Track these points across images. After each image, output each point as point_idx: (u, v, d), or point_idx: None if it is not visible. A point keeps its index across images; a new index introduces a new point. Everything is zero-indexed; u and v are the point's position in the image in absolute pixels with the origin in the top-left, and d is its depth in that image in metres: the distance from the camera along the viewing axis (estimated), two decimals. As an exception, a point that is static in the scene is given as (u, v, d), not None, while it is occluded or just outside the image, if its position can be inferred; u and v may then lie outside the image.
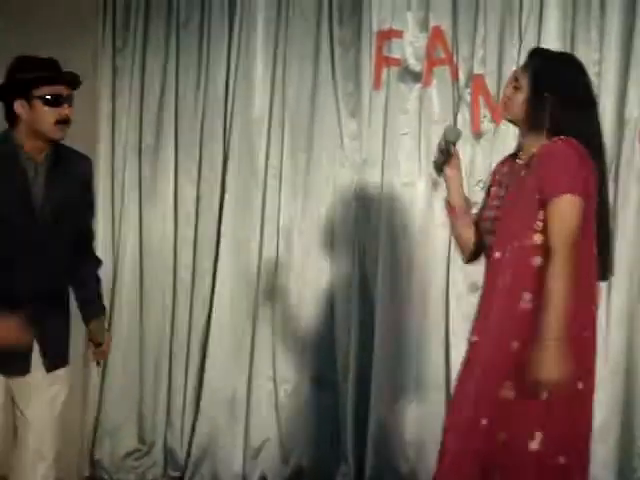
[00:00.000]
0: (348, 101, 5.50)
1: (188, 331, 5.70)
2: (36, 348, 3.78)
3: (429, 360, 5.39)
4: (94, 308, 4.00)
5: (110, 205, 5.73)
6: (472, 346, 3.43)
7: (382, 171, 5.41)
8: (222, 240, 5.60)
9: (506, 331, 3.31)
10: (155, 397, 5.66)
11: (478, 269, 4.98)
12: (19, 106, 3.76)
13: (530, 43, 5.09)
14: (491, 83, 5.34)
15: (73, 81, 3.85)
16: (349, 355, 5.44)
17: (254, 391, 5.52)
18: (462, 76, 5.36)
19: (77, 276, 3.99)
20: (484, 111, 5.37)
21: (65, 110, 3.76)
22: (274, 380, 5.52)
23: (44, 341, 3.80)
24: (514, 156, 3.57)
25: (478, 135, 5.35)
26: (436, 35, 5.40)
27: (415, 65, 5.41)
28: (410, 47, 5.41)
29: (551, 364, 3.16)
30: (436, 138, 4.99)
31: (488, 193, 3.63)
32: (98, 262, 4.11)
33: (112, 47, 5.79)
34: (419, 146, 5.40)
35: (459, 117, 5.34)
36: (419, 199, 5.42)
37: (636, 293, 5.07)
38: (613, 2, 5.17)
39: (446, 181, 3.67)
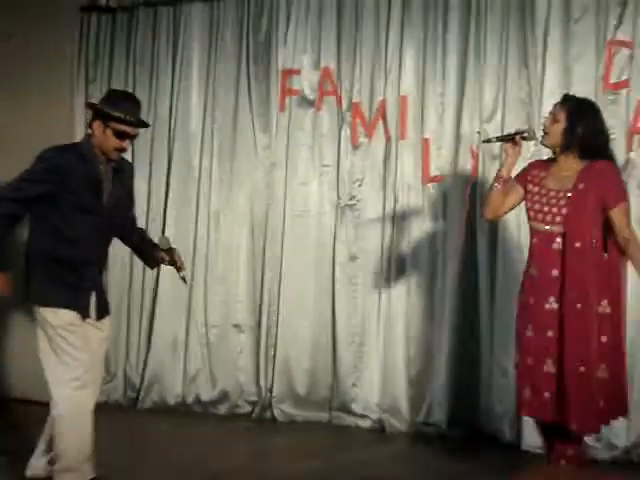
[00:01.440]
0: (261, 120, 6.46)
1: (142, 287, 6.60)
2: (93, 300, 4.34)
3: (321, 311, 6.25)
4: (155, 245, 4.56)
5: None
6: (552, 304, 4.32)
7: (286, 173, 6.35)
8: (167, 222, 6.57)
9: (593, 300, 4.29)
10: (117, 338, 6.50)
11: (356, 243, 6.02)
12: (97, 126, 4.27)
13: (394, 80, 6.10)
14: (365, 109, 6.19)
15: (141, 126, 4.34)
16: (262, 307, 6.38)
17: (190, 334, 6.49)
18: (344, 103, 6.23)
19: (135, 240, 4.61)
20: (360, 129, 6.19)
21: (125, 144, 4.28)
22: (206, 325, 6.49)
23: (98, 296, 4.38)
24: (544, 163, 4.53)
25: (356, 147, 6.21)
26: (325, 73, 6.29)
27: (310, 94, 6.33)
28: (306, 81, 6.35)
29: None
30: (325, 147, 6.28)
31: (525, 183, 4.49)
32: (142, 229, 4.74)
33: (85, 77, 6.79)
34: (313, 154, 6.32)
35: (342, 133, 6.21)
36: (313, 194, 6.33)
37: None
38: (452, 49, 5.97)
39: (505, 158, 4.54)
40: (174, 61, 6.70)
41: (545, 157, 4.84)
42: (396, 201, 6.14)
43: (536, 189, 4.46)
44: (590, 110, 4.46)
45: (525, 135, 4.55)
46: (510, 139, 4.55)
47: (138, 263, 5.55)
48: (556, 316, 4.35)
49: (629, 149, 5.51)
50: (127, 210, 4.56)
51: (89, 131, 4.33)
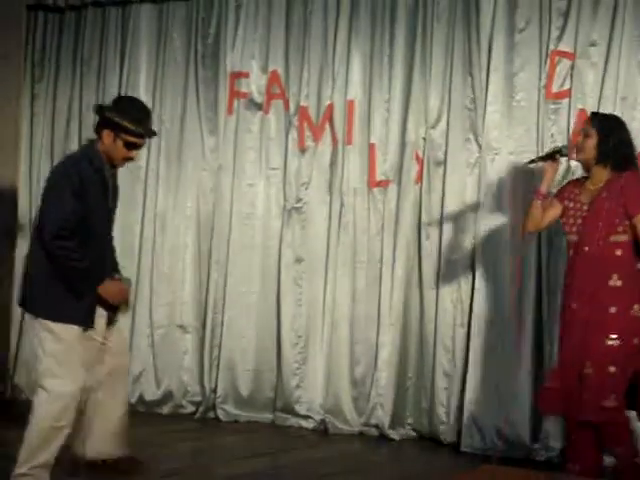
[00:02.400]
0: (208, 123, 6.51)
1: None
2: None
3: (266, 313, 6.31)
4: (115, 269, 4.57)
5: (27, 197, 6.80)
6: (572, 311, 4.52)
7: (233, 175, 6.41)
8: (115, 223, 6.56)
9: (603, 300, 4.44)
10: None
11: (302, 246, 6.07)
12: (106, 135, 4.27)
13: (341, 85, 6.18)
14: (312, 113, 6.24)
15: (151, 136, 4.43)
16: (207, 308, 6.41)
17: (135, 334, 6.52)
18: (292, 107, 6.29)
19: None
20: (307, 133, 6.24)
21: (133, 154, 4.34)
22: (151, 326, 6.54)
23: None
24: (579, 181, 4.74)
25: (303, 150, 6.26)
26: (273, 77, 6.37)
27: (258, 98, 6.39)
28: (254, 85, 6.41)
29: None
30: (273, 150, 6.33)
31: (564, 200, 4.68)
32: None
33: (31, 77, 6.82)
34: (260, 157, 6.37)
35: (289, 137, 6.26)
36: (259, 196, 6.38)
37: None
38: (398, 58, 6.04)
39: (544, 174, 4.77)
40: (122, 62, 6.74)
41: (578, 176, 5.07)
42: (342, 205, 6.21)
43: (571, 204, 4.67)
44: (617, 123, 4.70)
45: (563, 152, 4.82)
46: (550, 157, 4.80)
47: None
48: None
49: (569, 157, 5.62)
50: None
51: (95, 137, 4.35)
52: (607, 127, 4.60)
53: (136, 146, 4.32)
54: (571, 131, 5.64)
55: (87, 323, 4.30)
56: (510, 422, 5.55)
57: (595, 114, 4.80)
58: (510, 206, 5.78)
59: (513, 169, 5.79)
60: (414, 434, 6.00)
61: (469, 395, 5.72)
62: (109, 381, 4.48)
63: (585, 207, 4.59)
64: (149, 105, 6.38)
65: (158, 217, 6.61)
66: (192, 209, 6.59)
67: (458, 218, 5.92)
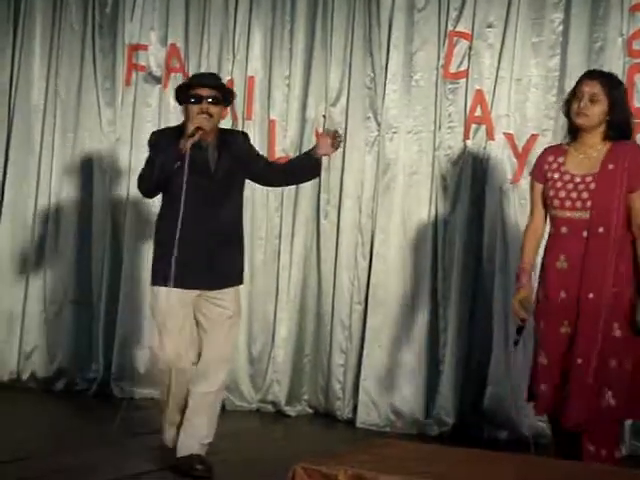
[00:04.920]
0: (106, 94, 6.42)
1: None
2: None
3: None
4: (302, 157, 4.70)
5: None
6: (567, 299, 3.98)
7: (131, 148, 6.32)
8: (5, 196, 6.51)
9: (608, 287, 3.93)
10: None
11: None
12: None
13: (241, 60, 6.13)
14: None
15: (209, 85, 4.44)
16: (102, 284, 6.36)
17: (28, 310, 6.44)
18: None
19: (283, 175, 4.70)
20: None
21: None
22: (44, 301, 6.45)
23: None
24: (558, 148, 4.16)
25: None
26: (173, 50, 6.30)
27: (156, 71, 6.32)
28: (153, 57, 6.34)
29: None
30: (172, 124, 6.06)
31: (545, 175, 4.11)
32: (277, 166, 4.86)
33: None
34: None
35: None
36: None
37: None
38: (299, 33, 6.02)
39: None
40: (15, 29, 6.60)
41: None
42: (241, 180, 6.18)
43: (557, 175, 4.11)
44: (622, 86, 4.23)
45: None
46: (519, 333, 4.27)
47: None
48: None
49: (466, 137, 5.73)
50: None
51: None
52: (619, 95, 4.09)
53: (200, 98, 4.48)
54: (468, 111, 5.72)
55: None
56: (404, 398, 5.70)
57: (598, 73, 4.23)
58: (408, 185, 5.83)
59: (411, 148, 5.84)
60: (310, 410, 6.04)
61: (365, 372, 5.78)
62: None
63: (589, 179, 4.04)
64: (44, 74, 6.49)
65: (53, 191, 6.51)
66: (88, 183, 6.49)
67: (356, 196, 5.94)
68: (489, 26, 5.70)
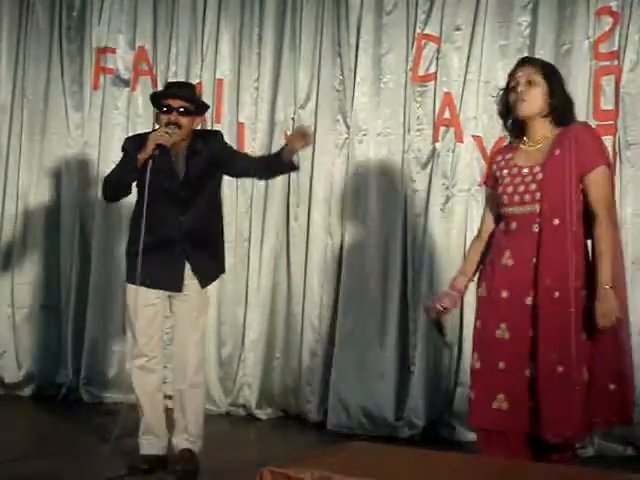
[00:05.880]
0: (73, 98, 6.41)
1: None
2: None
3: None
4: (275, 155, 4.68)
5: None
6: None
7: (99, 151, 6.31)
8: None
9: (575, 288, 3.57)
10: None
11: None
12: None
13: (210, 63, 6.12)
14: None
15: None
16: (71, 289, 6.32)
17: None
18: (160, 84, 6.08)
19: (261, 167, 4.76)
20: None
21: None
22: (12, 306, 6.42)
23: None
24: (507, 148, 3.89)
25: None
26: (141, 53, 6.30)
27: (125, 74, 6.30)
28: (121, 60, 6.33)
29: (612, 305, 3.51)
30: (140, 128, 6.09)
31: (494, 177, 3.85)
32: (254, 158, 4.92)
33: None
34: (127, 134, 5.80)
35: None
36: None
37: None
38: (268, 35, 6.02)
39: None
40: (-19, 32, 6.54)
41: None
42: (210, 183, 6.16)
43: (505, 172, 3.82)
44: (559, 73, 3.93)
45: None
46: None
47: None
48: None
49: (435, 140, 5.75)
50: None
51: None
52: (556, 76, 3.84)
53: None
54: (437, 113, 5.74)
55: None
56: (374, 400, 5.70)
57: (531, 59, 4.07)
58: (377, 187, 5.84)
59: (380, 150, 5.85)
60: (281, 413, 6.04)
61: (335, 375, 5.78)
62: None
63: (537, 169, 3.72)
64: (10, 77, 6.49)
65: (21, 195, 6.49)
66: (56, 184, 6.48)
67: (326, 199, 5.94)
68: (457, 29, 5.73)
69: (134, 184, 4.56)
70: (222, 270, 4.81)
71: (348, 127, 5.90)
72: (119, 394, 6.19)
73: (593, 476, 3.14)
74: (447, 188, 5.71)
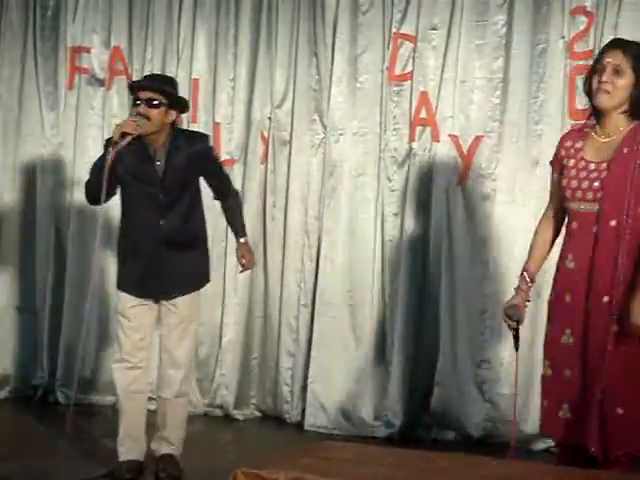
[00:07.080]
0: (48, 98, 6.34)
1: None
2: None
3: (108, 294, 6.05)
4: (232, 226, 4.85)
5: None
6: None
7: (74, 151, 6.26)
8: None
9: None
10: None
11: None
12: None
13: (185, 62, 6.08)
14: None
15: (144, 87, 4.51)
16: (46, 290, 6.28)
17: None
18: None
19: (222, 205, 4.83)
20: None
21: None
22: None
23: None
24: (578, 133, 3.63)
25: None
26: (116, 53, 6.24)
27: (100, 74, 6.26)
28: (96, 60, 6.27)
29: None
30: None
31: (561, 163, 3.61)
32: (223, 191, 4.79)
33: None
34: (102, 134, 6.06)
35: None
36: None
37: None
38: (244, 34, 5.99)
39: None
40: (-48, 29, 6.46)
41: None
42: (187, 183, 6.13)
43: (572, 162, 3.59)
44: None
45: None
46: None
47: None
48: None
49: (411, 139, 5.74)
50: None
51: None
52: None
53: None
54: (413, 113, 5.74)
55: None
56: (352, 400, 5.70)
57: (623, 42, 3.63)
58: (354, 187, 5.85)
59: (357, 150, 5.84)
60: (259, 414, 6.03)
61: (313, 374, 5.77)
62: None
63: (604, 166, 3.51)
64: None
65: (-6, 194, 6.44)
66: (30, 186, 6.41)
67: (303, 199, 5.93)
68: (433, 28, 5.73)
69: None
70: (207, 277, 4.82)
71: (325, 126, 5.89)
72: (96, 395, 6.17)
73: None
74: (424, 187, 5.69)
